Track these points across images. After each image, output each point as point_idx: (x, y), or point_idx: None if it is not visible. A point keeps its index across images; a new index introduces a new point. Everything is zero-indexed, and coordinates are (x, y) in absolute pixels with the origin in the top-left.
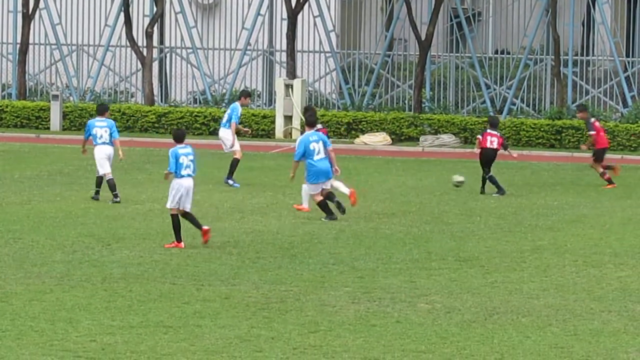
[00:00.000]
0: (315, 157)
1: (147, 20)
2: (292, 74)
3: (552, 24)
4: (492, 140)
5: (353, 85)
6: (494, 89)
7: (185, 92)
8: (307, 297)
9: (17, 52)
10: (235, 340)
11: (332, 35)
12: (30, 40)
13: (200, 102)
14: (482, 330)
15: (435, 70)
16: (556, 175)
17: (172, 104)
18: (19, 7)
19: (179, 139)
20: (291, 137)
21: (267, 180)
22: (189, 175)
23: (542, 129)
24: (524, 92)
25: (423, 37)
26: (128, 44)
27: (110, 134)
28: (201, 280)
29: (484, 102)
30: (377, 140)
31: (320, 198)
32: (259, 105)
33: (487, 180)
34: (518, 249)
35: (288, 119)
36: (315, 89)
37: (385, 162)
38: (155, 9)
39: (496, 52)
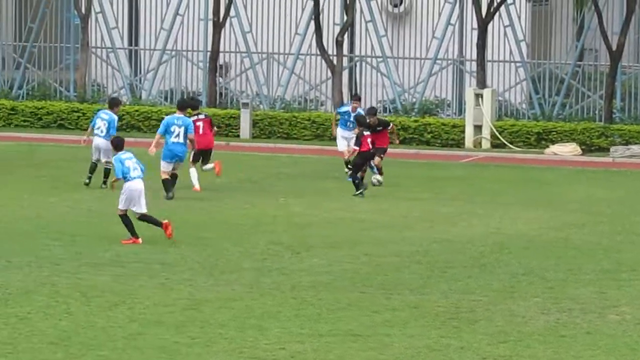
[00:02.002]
0: (172, 140)
1: (337, 29)
2: (482, 83)
3: None
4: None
5: (543, 95)
6: None
7: (375, 101)
8: (496, 307)
9: (208, 60)
10: (424, 349)
11: (523, 45)
12: (221, 48)
13: (390, 111)
14: None
15: (626, 81)
16: None
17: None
18: (210, 15)
19: (119, 148)
20: (481, 146)
21: (456, 189)
22: (139, 177)
23: None
24: None
25: (614, 47)
26: (318, 52)
27: (108, 129)
28: (390, 289)
29: None
30: (566, 150)
31: (166, 176)
32: (448, 115)
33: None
34: None
35: (478, 128)
36: (505, 99)
37: (575, 172)
38: (345, 17)
39: None
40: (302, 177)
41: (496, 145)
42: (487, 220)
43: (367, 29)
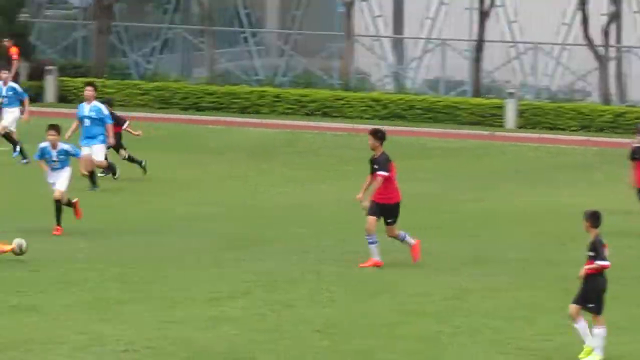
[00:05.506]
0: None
1: (604, 19)
2: None
3: None
4: None
5: None
6: None
7: None
8: None
9: (473, 49)
10: None
11: None
12: (486, 38)
13: None
14: None
15: None
16: None
17: (629, 103)
18: (475, 5)
19: None
20: None
21: None
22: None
23: None
24: None
25: None
26: (585, 42)
27: None
28: None
29: None
30: None
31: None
32: None
33: None
34: None
35: None
36: None
37: None
38: (612, 7)
39: None
40: (569, 167)
41: None
42: None
43: (634, 20)
